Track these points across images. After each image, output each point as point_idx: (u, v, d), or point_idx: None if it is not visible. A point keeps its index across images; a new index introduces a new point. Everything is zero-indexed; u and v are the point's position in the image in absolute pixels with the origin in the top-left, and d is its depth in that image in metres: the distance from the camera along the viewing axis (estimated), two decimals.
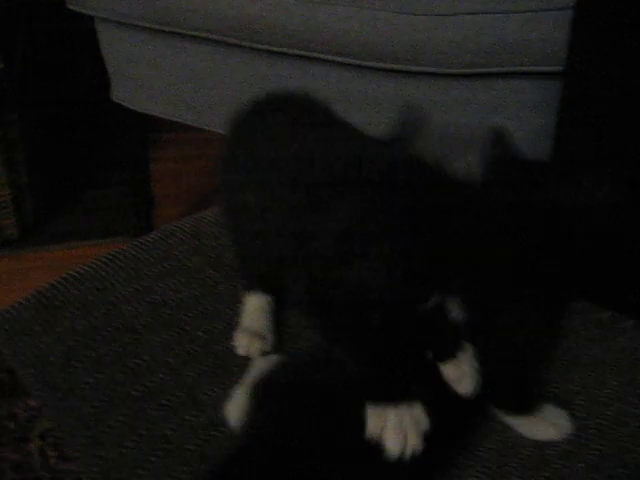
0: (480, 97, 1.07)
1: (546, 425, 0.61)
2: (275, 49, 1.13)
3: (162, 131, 2.00)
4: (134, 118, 1.48)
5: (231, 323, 0.73)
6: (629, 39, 0.89)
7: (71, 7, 1.29)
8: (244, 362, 0.69)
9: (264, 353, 0.69)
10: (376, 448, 0.53)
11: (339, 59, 1.09)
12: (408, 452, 0.53)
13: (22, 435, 1.17)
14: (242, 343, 0.70)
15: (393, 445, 0.53)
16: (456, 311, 0.57)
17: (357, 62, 1.08)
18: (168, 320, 0.74)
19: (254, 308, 0.72)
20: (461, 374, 0.55)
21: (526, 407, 0.62)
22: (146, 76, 1.36)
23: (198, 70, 1.28)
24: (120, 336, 0.73)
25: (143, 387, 0.68)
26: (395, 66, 1.06)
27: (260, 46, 1.15)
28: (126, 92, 1.42)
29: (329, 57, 1.09)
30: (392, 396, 0.55)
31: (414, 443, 0.53)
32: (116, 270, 0.81)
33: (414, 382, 0.56)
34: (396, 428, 0.53)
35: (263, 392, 0.61)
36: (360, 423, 0.54)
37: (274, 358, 0.67)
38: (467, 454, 0.61)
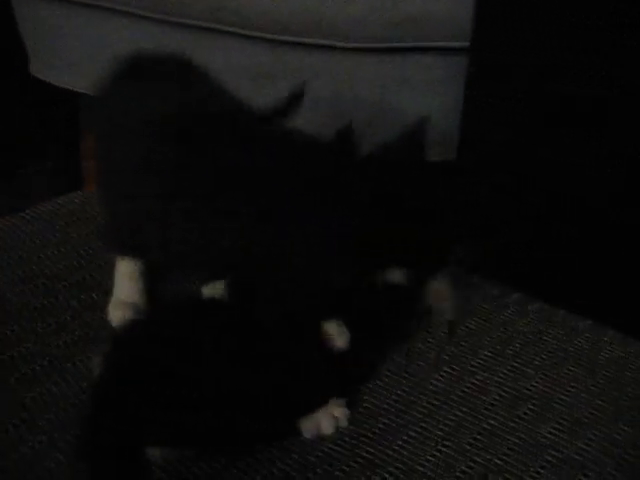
0: (388, 72, 1.07)
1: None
2: (187, 22, 1.11)
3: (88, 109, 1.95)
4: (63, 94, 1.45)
5: (108, 293, 0.72)
6: (532, 15, 0.89)
7: None
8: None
9: None
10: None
11: (244, 32, 1.07)
12: None
13: None
14: (115, 315, 0.69)
15: None
16: None
17: (262, 35, 1.06)
18: (42, 290, 0.72)
19: (126, 276, 0.70)
20: None
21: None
22: (64, 49, 1.33)
23: (113, 42, 1.25)
24: None
25: (7, 357, 0.66)
26: (301, 39, 1.05)
27: (172, 19, 1.13)
28: (45, 66, 1.39)
29: (233, 29, 1.07)
30: None
31: None
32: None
33: None
34: None
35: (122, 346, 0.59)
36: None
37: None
38: None
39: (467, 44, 0.97)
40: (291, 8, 1.02)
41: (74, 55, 1.31)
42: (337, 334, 0.59)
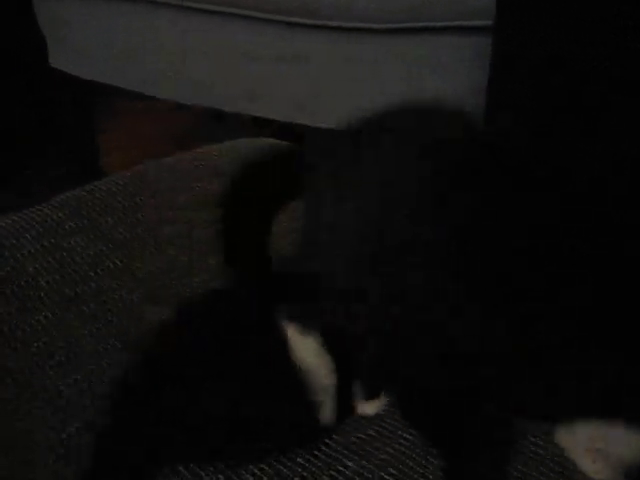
0: (412, 53, 1.06)
1: None
2: (204, 7, 1.11)
3: (112, 99, 1.96)
4: (79, 86, 1.46)
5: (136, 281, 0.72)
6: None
7: None
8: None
9: None
10: None
11: (269, 16, 1.07)
12: None
13: None
14: None
15: None
16: None
17: (287, 19, 1.06)
18: (73, 277, 0.73)
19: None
20: None
21: None
22: (84, 40, 1.34)
23: (130, 31, 1.25)
24: (22, 293, 0.71)
25: (43, 344, 0.66)
26: (326, 22, 1.05)
27: (192, 4, 1.13)
28: (65, 57, 1.39)
29: (259, 15, 1.07)
30: None
31: None
32: (26, 228, 0.78)
33: None
34: None
35: None
36: None
37: None
38: None
39: (490, 22, 0.96)
40: None
41: (92, 45, 1.31)
42: None
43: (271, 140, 1.01)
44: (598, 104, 0.82)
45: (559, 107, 0.89)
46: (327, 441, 0.57)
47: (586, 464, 0.50)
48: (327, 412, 0.55)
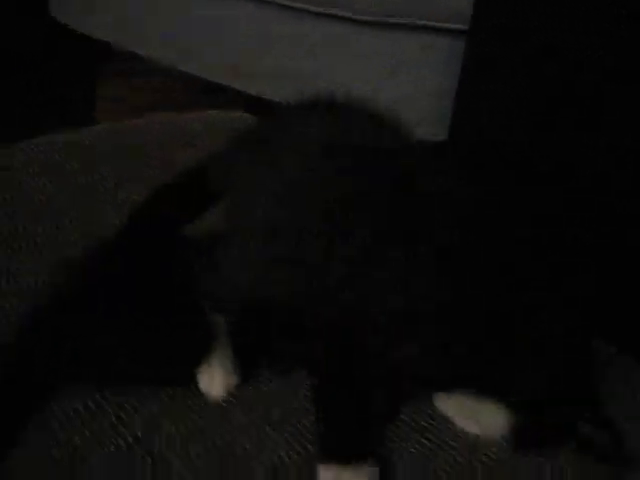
0: (388, 49, 1.09)
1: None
2: None
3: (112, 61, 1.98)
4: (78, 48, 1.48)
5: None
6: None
7: None
8: None
9: None
10: None
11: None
12: None
13: None
14: None
15: None
16: None
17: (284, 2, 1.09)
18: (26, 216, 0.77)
19: None
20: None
21: None
22: None
23: None
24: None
25: (27, 284, 0.70)
26: (312, 8, 1.08)
27: None
28: (66, 7, 1.41)
29: None
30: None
31: None
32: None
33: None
34: None
35: None
36: None
37: None
38: None
39: (465, 27, 0.99)
40: None
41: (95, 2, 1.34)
42: None
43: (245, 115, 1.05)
44: (590, 95, 0.83)
45: (547, 102, 0.92)
46: None
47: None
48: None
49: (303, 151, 0.61)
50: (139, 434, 0.55)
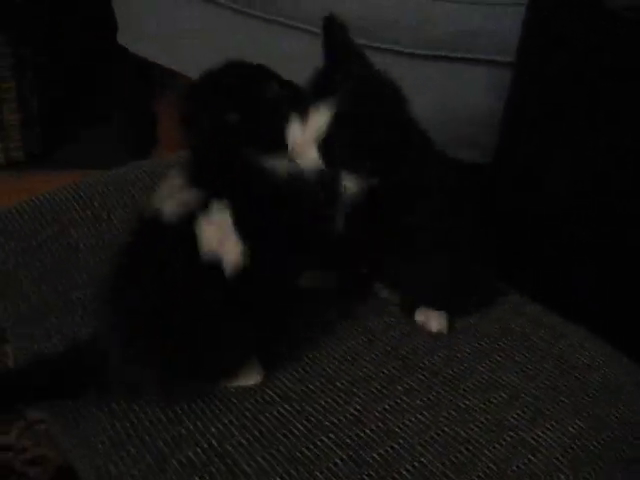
0: (439, 79, 1.16)
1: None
2: (265, 16, 1.22)
3: (172, 76, 2.09)
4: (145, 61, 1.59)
5: None
6: (575, 44, 0.96)
7: None
8: None
9: None
10: None
11: (309, 27, 1.17)
12: None
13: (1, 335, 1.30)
14: None
15: None
16: None
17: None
18: (108, 242, 0.86)
19: None
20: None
21: None
22: (149, 24, 1.46)
23: (195, 24, 1.37)
24: (66, 254, 0.85)
25: (77, 298, 0.80)
26: (363, 41, 1.14)
27: (253, 12, 1.24)
28: (130, 37, 1.52)
29: (300, 25, 1.18)
30: None
31: None
32: (74, 197, 0.92)
33: None
34: None
35: None
36: None
37: None
38: None
39: (511, 59, 1.05)
40: (350, 10, 1.12)
41: (158, 30, 1.44)
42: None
43: None
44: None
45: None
46: None
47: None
48: None
49: None
50: (213, 442, 0.64)
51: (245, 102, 0.72)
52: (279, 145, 0.70)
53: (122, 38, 1.53)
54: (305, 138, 0.70)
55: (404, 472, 0.63)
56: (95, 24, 1.69)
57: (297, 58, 1.23)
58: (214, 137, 0.72)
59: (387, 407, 0.69)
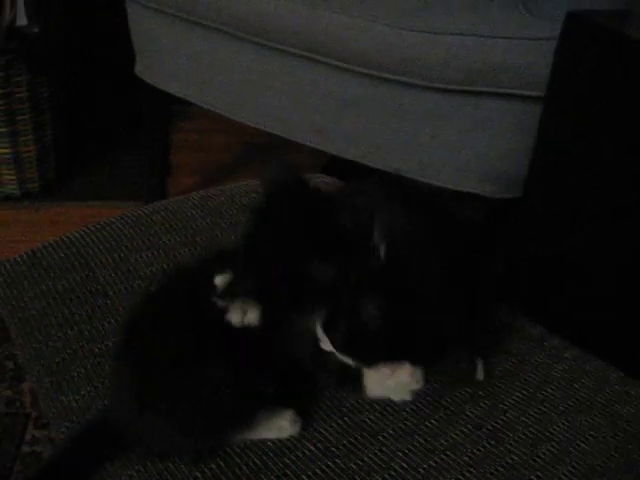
0: (465, 113, 1.14)
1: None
2: (280, 47, 1.21)
3: (187, 103, 2.09)
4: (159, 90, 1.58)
5: None
6: (606, 77, 0.95)
7: None
8: None
9: None
10: None
11: (336, 63, 1.16)
12: None
13: (17, 375, 1.29)
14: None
15: None
16: None
17: (352, 68, 1.15)
18: (137, 289, 0.84)
19: None
20: None
21: None
22: (166, 56, 1.45)
23: (212, 57, 1.36)
24: (93, 299, 0.83)
25: (105, 346, 0.77)
26: (387, 75, 1.14)
27: (268, 43, 1.23)
28: (147, 68, 1.52)
29: (328, 60, 1.17)
30: None
31: None
32: (100, 239, 0.90)
33: None
34: None
35: None
36: None
37: None
38: None
39: (540, 93, 1.04)
40: (377, 45, 1.11)
41: (175, 63, 1.43)
42: None
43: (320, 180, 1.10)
44: None
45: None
46: None
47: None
48: None
49: None
50: None
51: None
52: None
53: (139, 69, 1.52)
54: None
55: None
56: (112, 56, 1.69)
57: (321, 94, 1.23)
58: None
59: (432, 464, 0.67)
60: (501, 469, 0.67)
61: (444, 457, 0.67)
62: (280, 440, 0.68)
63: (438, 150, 1.18)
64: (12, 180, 1.72)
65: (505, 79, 1.08)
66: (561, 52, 0.99)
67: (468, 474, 0.66)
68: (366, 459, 0.66)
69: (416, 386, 0.72)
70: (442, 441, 0.69)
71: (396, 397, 0.72)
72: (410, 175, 1.19)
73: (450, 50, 1.07)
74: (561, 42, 0.99)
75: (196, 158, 2.01)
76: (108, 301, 0.83)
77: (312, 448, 0.67)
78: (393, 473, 0.65)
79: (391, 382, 0.70)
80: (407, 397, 0.72)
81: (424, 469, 0.66)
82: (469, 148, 1.16)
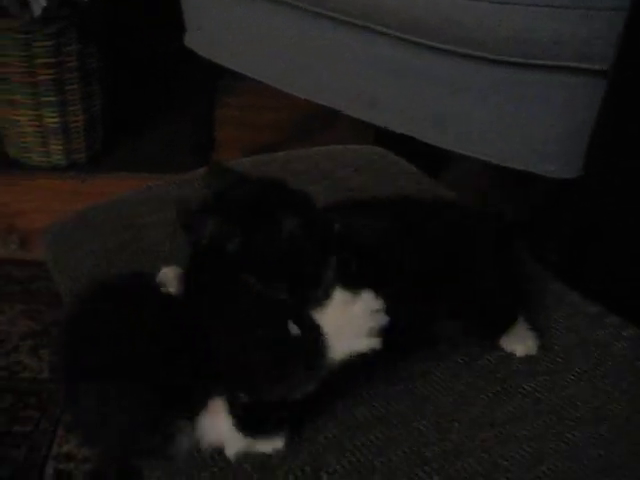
0: (527, 88, 1.10)
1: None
2: (336, 16, 1.18)
3: (233, 79, 2.07)
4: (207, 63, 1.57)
5: None
6: None
7: None
8: None
9: None
10: None
11: (394, 33, 1.13)
12: None
13: None
14: None
15: None
16: None
17: (411, 38, 1.12)
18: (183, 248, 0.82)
19: None
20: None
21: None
22: (217, 27, 1.44)
23: (264, 28, 1.34)
24: (142, 258, 0.82)
25: None
26: (450, 47, 1.10)
27: (323, 11, 1.21)
28: (197, 39, 1.50)
29: (385, 30, 1.14)
30: None
31: None
32: (148, 200, 0.89)
33: None
34: None
35: None
36: None
37: None
38: None
39: (607, 67, 1.00)
40: (440, 16, 1.07)
41: (226, 34, 1.41)
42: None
43: (380, 150, 1.08)
44: None
45: None
46: None
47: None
48: None
49: None
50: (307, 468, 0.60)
51: (253, 234, 0.58)
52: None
53: (189, 40, 1.51)
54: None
55: None
56: (161, 26, 1.68)
57: (369, 62, 1.20)
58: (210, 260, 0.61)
59: (491, 436, 0.64)
60: (563, 445, 0.64)
61: (502, 430, 0.65)
62: (333, 406, 0.65)
63: (499, 127, 1.14)
64: (59, 150, 1.73)
65: (570, 52, 1.04)
66: (630, 24, 0.95)
67: (529, 448, 0.63)
68: (422, 428, 0.64)
69: (374, 323, 0.60)
70: (499, 414, 0.67)
71: (357, 342, 0.60)
72: (470, 153, 1.17)
73: (518, 22, 1.03)
74: (631, 13, 0.95)
75: (240, 134, 1.99)
76: (154, 261, 0.81)
77: (367, 414, 0.65)
78: (448, 444, 0.63)
79: (345, 317, 0.60)
80: (374, 342, 0.60)
81: (482, 441, 0.64)
82: (532, 125, 1.12)
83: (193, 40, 1.50)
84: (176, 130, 1.92)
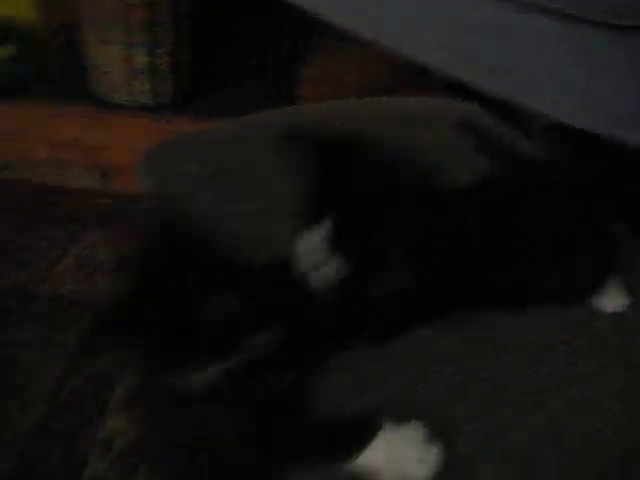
0: (623, 52, 1.06)
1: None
2: None
3: (323, 37, 2.06)
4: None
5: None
6: None
7: None
8: None
9: None
10: None
11: None
12: None
13: None
14: None
15: None
16: None
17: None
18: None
19: None
20: None
21: None
22: None
23: None
24: (241, 179, 0.84)
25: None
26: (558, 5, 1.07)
27: None
28: None
29: None
30: None
31: None
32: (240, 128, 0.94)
33: None
34: None
35: None
36: None
37: None
38: None
39: None
40: None
41: None
42: None
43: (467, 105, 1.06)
44: None
45: None
46: None
47: None
48: None
49: None
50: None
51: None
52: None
53: None
54: None
55: None
56: None
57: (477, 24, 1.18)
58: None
59: (576, 391, 0.64)
60: None
61: (585, 386, 0.64)
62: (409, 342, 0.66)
63: (594, 92, 1.11)
64: (147, 90, 1.76)
65: None
66: None
67: (612, 405, 0.63)
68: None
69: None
70: (583, 369, 0.66)
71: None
72: (562, 119, 1.14)
73: None
74: None
75: (322, 92, 1.99)
76: (258, 182, 0.83)
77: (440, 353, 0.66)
78: (529, 398, 0.63)
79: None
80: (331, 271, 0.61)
81: (566, 397, 0.63)
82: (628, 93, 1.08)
83: None
84: (263, 79, 1.92)
